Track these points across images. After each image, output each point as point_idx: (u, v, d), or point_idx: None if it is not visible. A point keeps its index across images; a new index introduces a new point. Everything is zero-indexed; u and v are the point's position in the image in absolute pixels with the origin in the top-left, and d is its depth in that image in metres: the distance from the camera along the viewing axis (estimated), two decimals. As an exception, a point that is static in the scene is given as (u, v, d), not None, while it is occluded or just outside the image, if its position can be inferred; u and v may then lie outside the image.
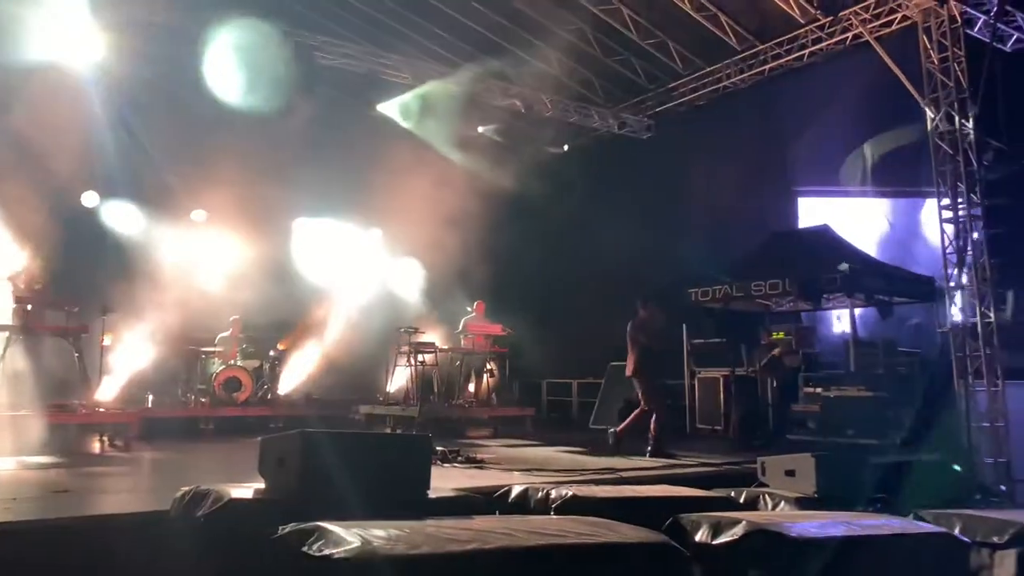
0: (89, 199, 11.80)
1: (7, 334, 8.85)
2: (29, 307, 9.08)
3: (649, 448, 8.22)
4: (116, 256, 11.52)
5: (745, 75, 11.90)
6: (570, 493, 4.25)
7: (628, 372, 8.69)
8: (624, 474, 6.56)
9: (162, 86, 9.86)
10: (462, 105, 12.45)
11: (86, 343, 9.56)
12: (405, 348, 11.74)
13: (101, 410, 8.78)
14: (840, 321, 12.62)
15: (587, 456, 8.19)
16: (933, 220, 9.32)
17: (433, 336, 11.82)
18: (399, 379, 11.87)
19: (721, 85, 12.30)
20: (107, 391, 9.65)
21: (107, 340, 10.14)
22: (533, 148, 13.83)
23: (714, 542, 3.46)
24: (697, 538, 3.51)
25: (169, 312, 11.28)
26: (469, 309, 11.97)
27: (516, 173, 12.56)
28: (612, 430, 8.72)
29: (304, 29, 11.49)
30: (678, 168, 13.47)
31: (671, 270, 12.32)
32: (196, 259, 12.45)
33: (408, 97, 12.47)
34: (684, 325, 11.72)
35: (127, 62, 9.78)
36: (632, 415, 8.64)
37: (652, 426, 8.38)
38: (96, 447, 7.82)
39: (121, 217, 12.02)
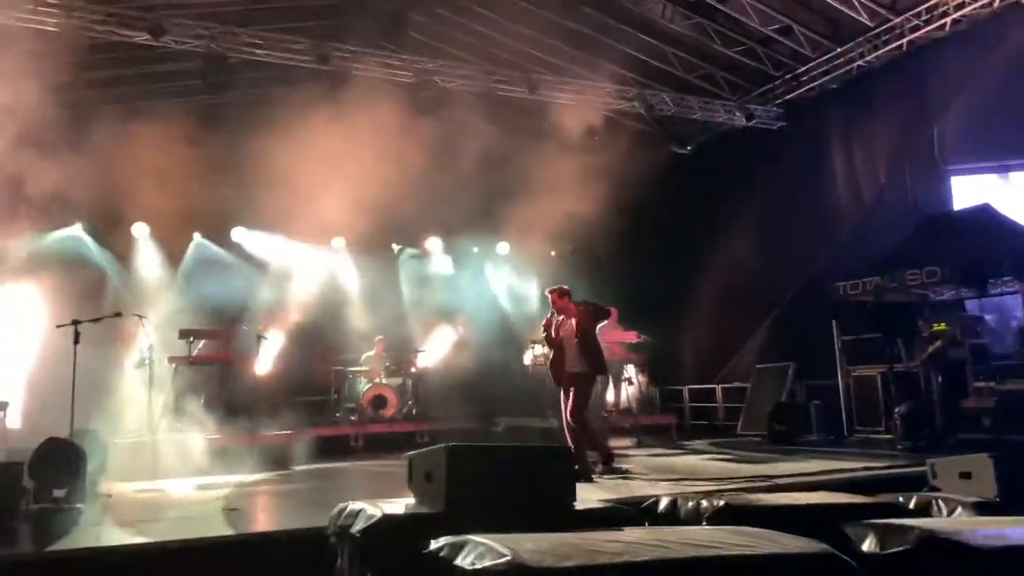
0: (237, 234, 12.67)
1: (175, 364, 9.67)
2: (191, 339, 9.91)
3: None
4: (263, 285, 12.27)
5: (880, 52, 11.20)
6: (722, 502, 4.06)
7: (582, 369, 7.15)
8: (779, 480, 6.26)
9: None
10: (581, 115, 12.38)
11: (243, 369, 10.25)
12: (540, 360, 11.79)
13: (266, 433, 9.31)
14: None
15: (737, 463, 7.88)
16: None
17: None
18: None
19: (855, 65, 11.64)
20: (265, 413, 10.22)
21: (262, 365, 10.77)
22: (656, 150, 13.60)
23: (883, 552, 3.20)
24: (864, 548, 3.26)
25: (316, 335, 11.91)
26: (603, 317, 11.85)
27: (640, 176, 12.36)
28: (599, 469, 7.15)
29: (418, 56, 11.83)
30: (815, 157, 12.81)
31: (816, 264, 11.73)
32: (336, 283, 13.10)
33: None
34: (834, 321, 11.08)
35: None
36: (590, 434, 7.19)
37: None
38: (263, 466, 8.22)
39: (263, 246, 12.80)
